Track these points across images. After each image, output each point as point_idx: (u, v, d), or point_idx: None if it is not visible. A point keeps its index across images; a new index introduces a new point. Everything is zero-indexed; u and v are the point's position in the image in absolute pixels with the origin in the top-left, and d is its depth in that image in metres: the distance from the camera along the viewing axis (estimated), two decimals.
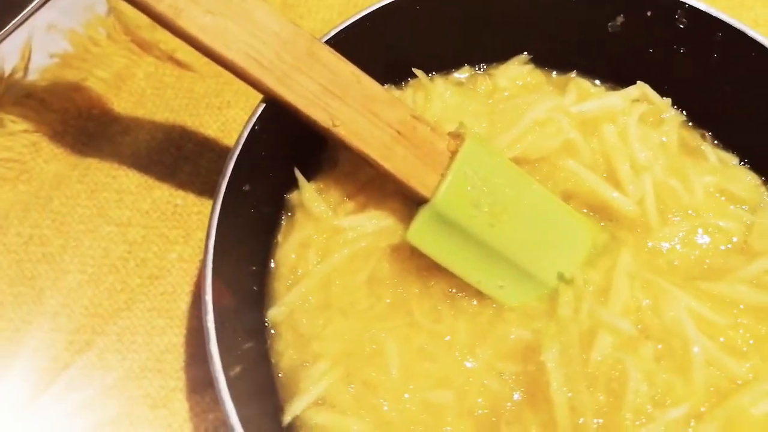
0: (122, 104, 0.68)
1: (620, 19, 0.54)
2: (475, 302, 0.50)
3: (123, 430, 0.53)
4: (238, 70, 0.45)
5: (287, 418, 0.45)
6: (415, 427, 0.45)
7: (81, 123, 0.67)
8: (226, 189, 0.43)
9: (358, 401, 0.46)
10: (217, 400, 0.50)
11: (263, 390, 0.46)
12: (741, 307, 0.48)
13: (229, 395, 0.38)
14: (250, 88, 0.46)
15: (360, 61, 0.48)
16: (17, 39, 0.72)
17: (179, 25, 0.44)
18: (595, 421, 0.44)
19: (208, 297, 0.40)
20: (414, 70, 0.56)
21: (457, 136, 0.49)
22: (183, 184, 0.64)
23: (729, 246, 0.51)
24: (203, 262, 0.42)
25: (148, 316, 0.58)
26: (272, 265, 0.51)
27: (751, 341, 0.47)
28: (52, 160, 0.65)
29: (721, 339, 0.46)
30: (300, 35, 0.46)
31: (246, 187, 0.46)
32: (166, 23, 0.44)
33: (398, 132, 0.47)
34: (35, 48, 0.70)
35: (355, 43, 0.51)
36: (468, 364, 0.48)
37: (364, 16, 0.51)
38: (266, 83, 0.45)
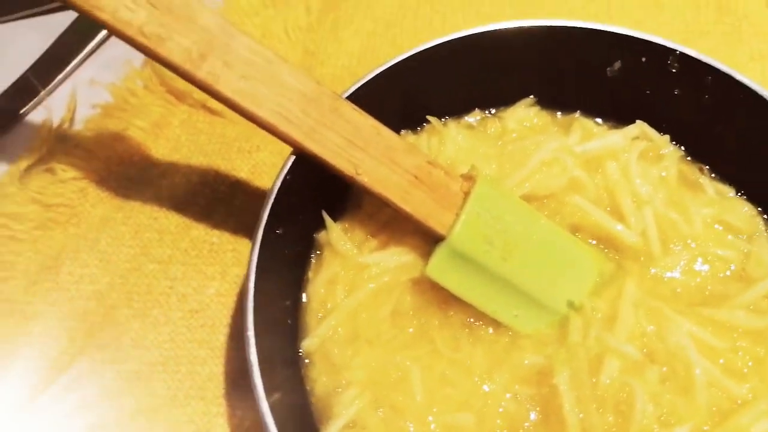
0: (160, 150, 0.74)
1: (618, 64, 0.59)
2: (491, 330, 0.54)
3: None
4: (269, 126, 0.50)
5: None
6: None
7: (123, 169, 0.72)
8: (263, 234, 0.48)
9: (386, 424, 0.50)
10: (256, 425, 0.56)
11: (300, 414, 0.50)
12: (740, 331, 0.51)
13: (273, 419, 0.43)
14: None
15: (379, 111, 0.52)
16: (62, 93, 0.78)
17: (217, 90, 0.49)
18: None
19: (250, 333, 0.45)
20: (428, 117, 0.60)
21: (469, 178, 0.54)
22: (218, 223, 0.69)
23: (728, 273, 0.54)
24: (244, 301, 0.47)
25: (190, 347, 0.63)
26: (304, 299, 0.56)
27: (750, 363, 0.50)
28: (99, 204, 0.71)
29: (721, 361, 0.50)
30: (323, 93, 0.51)
31: (279, 231, 0.51)
32: (205, 88, 0.49)
33: (415, 177, 0.52)
34: (79, 101, 0.77)
35: (374, 95, 0.55)
36: (486, 388, 0.51)
37: (380, 72, 0.56)
38: (294, 137, 0.50)
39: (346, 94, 0.55)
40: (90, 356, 0.62)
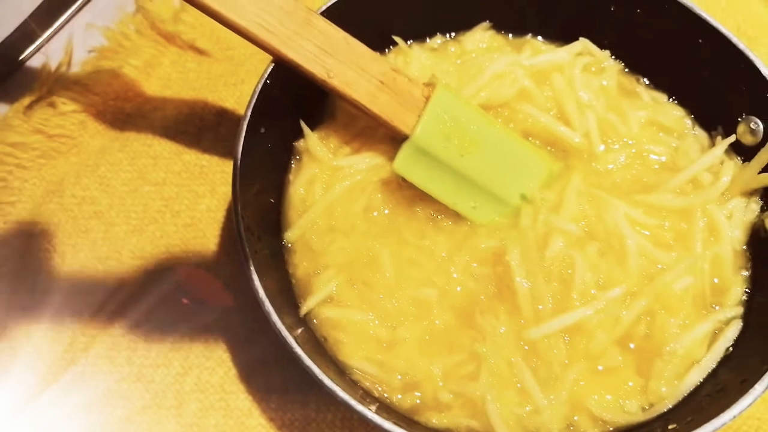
0: (152, 87, 0.80)
1: None
2: (452, 222, 0.61)
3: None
4: (251, 35, 0.55)
5: (303, 310, 0.55)
6: (407, 316, 0.56)
7: (119, 104, 0.78)
8: (247, 128, 0.55)
9: (360, 297, 0.56)
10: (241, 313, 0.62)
11: (284, 292, 0.57)
12: (668, 210, 0.58)
13: (263, 290, 0.49)
14: (260, 68, 0.58)
15: (349, 32, 0.59)
16: (61, 38, 0.84)
17: (204, 2, 0.55)
18: (550, 303, 0.54)
19: (239, 208, 0.52)
20: (394, 37, 0.67)
21: (430, 85, 0.60)
22: (207, 148, 0.75)
23: (659, 166, 0.62)
24: (233, 188, 0.53)
25: (184, 256, 0.69)
26: (286, 198, 0.62)
27: (674, 236, 0.57)
28: (97, 135, 0.77)
29: (647, 233, 0.57)
30: (299, 8, 0.57)
31: (262, 130, 0.58)
32: (192, 1, 0.55)
33: (381, 82, 0.58)
34: (76, 45, 0.82)
35: (344, 17, 0.61)
36: (448, 269, 0.58)
37: None
38: (273, 45, 0.56)
39: (319, 12, 0.61)
40: (93, 269, 0.69)
